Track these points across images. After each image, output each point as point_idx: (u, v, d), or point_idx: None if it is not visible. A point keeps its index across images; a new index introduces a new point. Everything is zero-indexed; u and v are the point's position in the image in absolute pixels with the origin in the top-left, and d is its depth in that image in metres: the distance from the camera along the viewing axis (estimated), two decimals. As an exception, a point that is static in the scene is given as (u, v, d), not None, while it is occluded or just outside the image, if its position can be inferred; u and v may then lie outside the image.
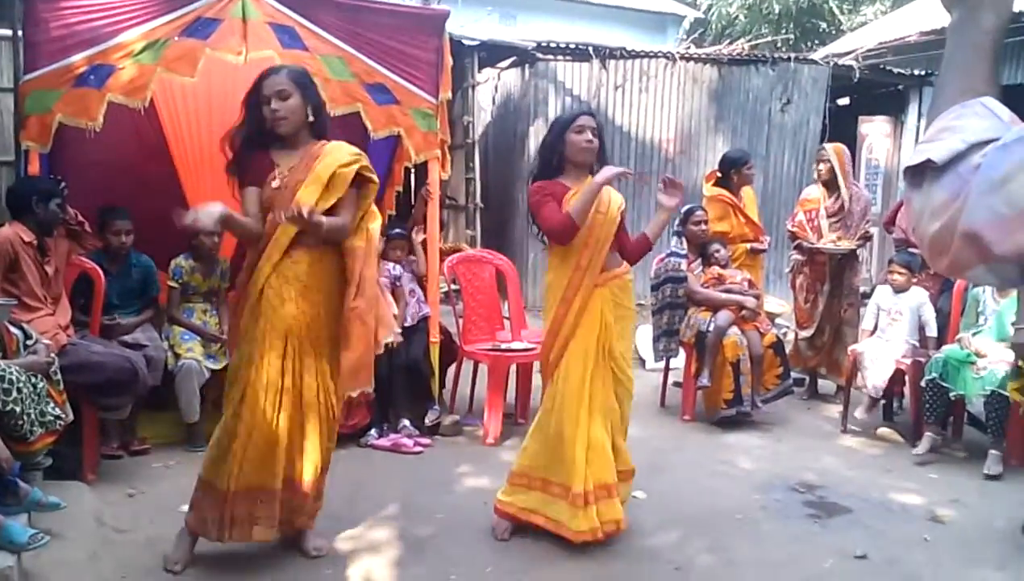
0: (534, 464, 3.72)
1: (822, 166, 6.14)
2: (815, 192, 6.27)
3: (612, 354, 3.70)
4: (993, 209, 0.91)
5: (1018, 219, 0.89)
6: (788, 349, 6.00)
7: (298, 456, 3.33)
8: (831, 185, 6.14)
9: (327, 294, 3.35)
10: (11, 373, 3.23)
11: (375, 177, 3.43)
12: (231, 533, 3.25)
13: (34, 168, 4.40)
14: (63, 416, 3.56)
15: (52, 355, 3.68)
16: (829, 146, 6.27)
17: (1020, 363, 4.46)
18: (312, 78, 3.46)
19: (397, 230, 5.54)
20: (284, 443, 3.26)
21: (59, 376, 3.68)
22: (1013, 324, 4.90)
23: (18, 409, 3.19)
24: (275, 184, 3.29)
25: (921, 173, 1.06)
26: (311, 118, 3.32)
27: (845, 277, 6.18)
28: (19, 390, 3.22)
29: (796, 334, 6.39)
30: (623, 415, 3.81)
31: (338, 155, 3.30)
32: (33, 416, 3.30)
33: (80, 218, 4.45)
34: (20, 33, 4.38)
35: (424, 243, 5.44)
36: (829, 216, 6.14)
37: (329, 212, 3.26)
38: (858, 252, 6.29)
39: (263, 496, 3.26)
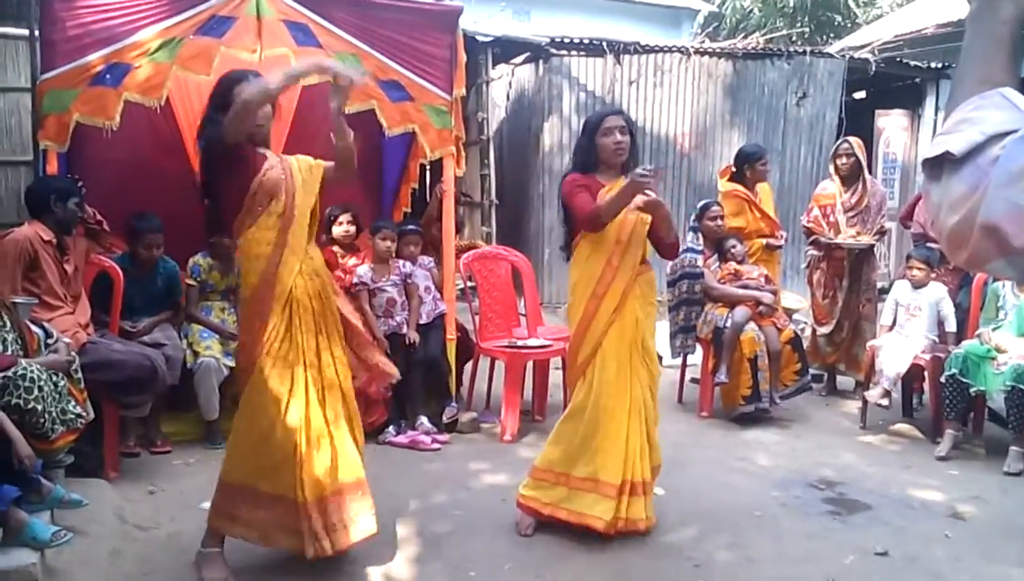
0: (560, 459, 3.73)
1: (846, 160, 6.03)
2: (831, 187, 6.19)
3: (646, 348, 3.74)
4: (1012, 201, 0.90)
5: None
6: (806, 345, 5.98)
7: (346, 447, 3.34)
8: (848, 179, 6.07)
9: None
10: (33, 371, 3.25)
11: None
12: (331, 541, 3.19)
13: (52, 167, 4.43)
14: (84, 414, 3.57)
15: (73, 353, 3.70)
16: (853, 139, 6.16)
17: None
18: None
19: (411, 226, 5.55)
20: (341, 437, 3.30)
21: (80, 374, 3.69)
22: None
23: (40, 407, 3.21)
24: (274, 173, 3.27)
25: (940, 166, 1.05)
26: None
27: (863, 272, 6.12)
28: (40, 388, 3.24)
29: (814, 330, 6.35)
30: (655, 411, 3.83)
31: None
32: (54, 414, 3.32)
33: (99, 217, 4.47)
34: (37, 33, 4.40)
35: (439, 240, 5.44)
36: (846, 211, 6.07)
37: None
38: (875, 247, 6.20)
39: (346, 492, 3.26)
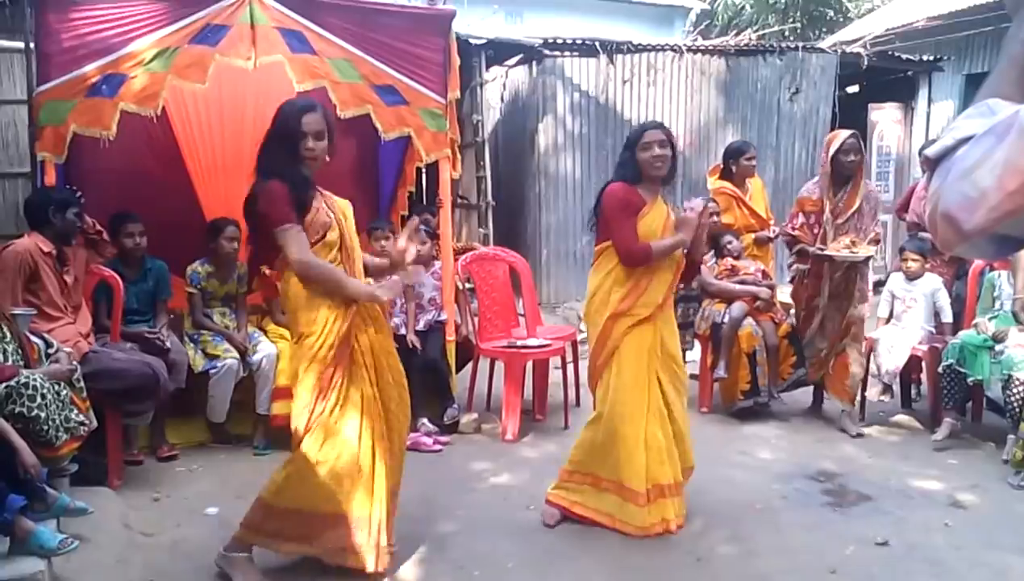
0: (585, 460, 3.82)
1: (853, 157, 5.09)
2: (816, 190, 5.29)
3: (668, 350, 3.81)
4: (962, 192, 1.04)
5: (981, 200, 1.01)
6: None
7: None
8: (839, 182, 5.18)
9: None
10: (35, 380, 3.27)
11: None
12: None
13: (50, 179, 4.45)
14: (87, 422, 3.60)
15: (74, 363, 3.72)
16: (854, 134, 5.20)
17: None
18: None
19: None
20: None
21: (82, 383, 3.72)
22: (1013, 298, 4.91)
23: (43, 415, 3.24)
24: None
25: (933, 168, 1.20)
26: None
27: (854, 285, 5.27)
28: (43, 396, 3.27)
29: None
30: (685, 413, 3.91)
31: None
32: (58, 422, 3.35)
33: (98, 227, 4.49)
34: (32, 45, 4.42)
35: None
36: (835, 217, 5.18)
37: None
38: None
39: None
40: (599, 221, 3.85)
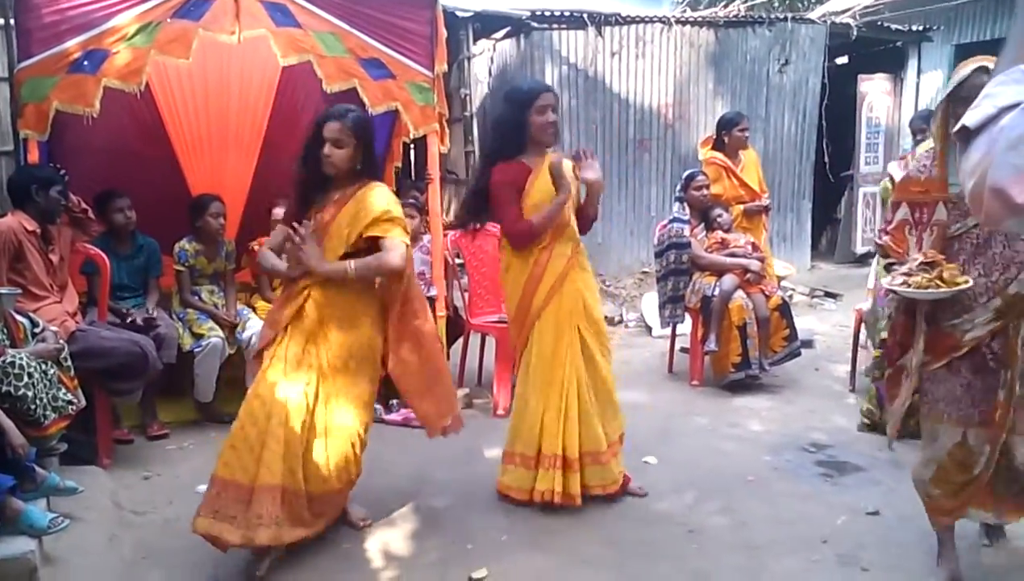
0: (511, 439, 3.81)
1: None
2: (929, 167, 2.96)
3: (590, 318, 3.75)
4: (1013, 165, 1.00)
5: None
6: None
7: None
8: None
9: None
10: (21, 359, 3.25)
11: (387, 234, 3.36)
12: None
13: (33, 157, 4.38)
14: (75, 401, 3.58)
15: (61, 342, 3.69)
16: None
17: None
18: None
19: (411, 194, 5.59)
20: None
21: (69, 362, 3.69)
22: None
23: (30, 394, 3.21)
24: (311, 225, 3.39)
25: (966, 138, 1.16)
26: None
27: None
28: (30, 375, 3.25)
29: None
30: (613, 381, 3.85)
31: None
32: (45, 400, 3.33)
33: (83, 205, 4.44)
34: (12, 21, 4.34)
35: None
36: (957, 214, 2.89)
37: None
38: None
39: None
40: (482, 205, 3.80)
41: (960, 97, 2.75)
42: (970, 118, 1.11)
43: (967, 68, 2.82)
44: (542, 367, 3.67)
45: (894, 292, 2.91)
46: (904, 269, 2.89)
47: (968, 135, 1.14)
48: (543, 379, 3.67)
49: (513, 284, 3.75)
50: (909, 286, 2.82)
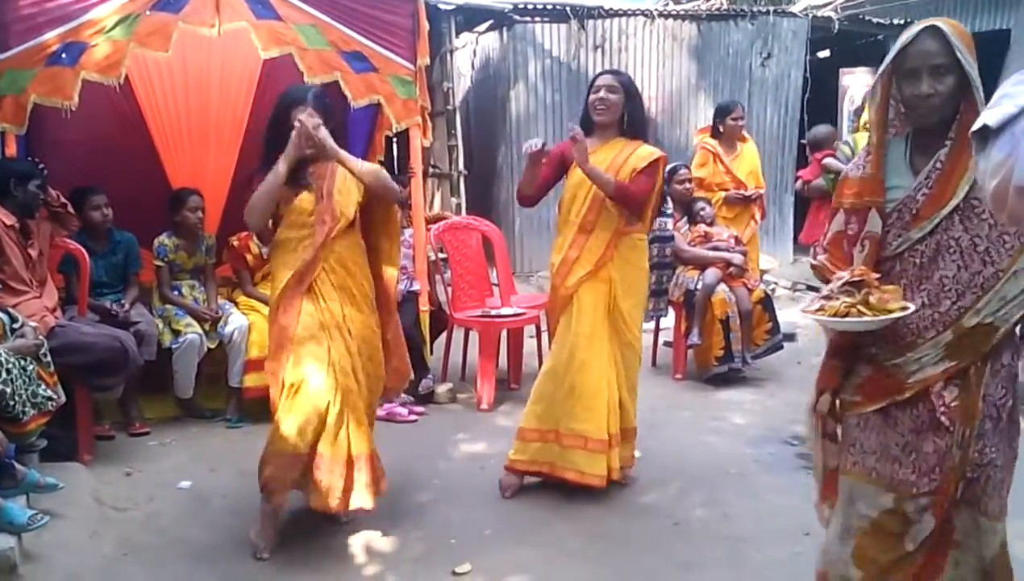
0: (544, 415, 3.78)
1: (933, 92, 2.09)
2: (862, 165, 2.26)
3: (619, 310, 3.76)
4: None
5: None
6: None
7: None
8: (922, 146, 2.16)
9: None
10: (0, 355, 3.21)
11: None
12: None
13: (11, 150, 4.33)
14: (55, 397, 3.54)
15: (40, 337, 3.65)
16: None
17: None
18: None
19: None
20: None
21: (49, 358, 3.65)
22: None
23: (9, 390, 3.18)
24: None
25: (984, 138, 1.14)
26: None
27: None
28: (8, 371, 3.21)
29: None
30: (629, 375, 3.85)
31: None
32: (25, 396, 3.29)
33: (62, 199, 4.40)
34: (-11, 13, 4.29)
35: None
36: (912, 220, 2.16)
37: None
38: None
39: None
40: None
41: (905, 69, 2.11)
42: (991, 117, 1.10)
43: (913, 30, 2.14)
44: (582, 346, 3.71)
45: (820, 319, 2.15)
46: (825, 290, 2.16)
47: (988, 134, 1.13)
48: (587, 357, 3.72)
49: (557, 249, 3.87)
50: (825, 312, 2.10)
